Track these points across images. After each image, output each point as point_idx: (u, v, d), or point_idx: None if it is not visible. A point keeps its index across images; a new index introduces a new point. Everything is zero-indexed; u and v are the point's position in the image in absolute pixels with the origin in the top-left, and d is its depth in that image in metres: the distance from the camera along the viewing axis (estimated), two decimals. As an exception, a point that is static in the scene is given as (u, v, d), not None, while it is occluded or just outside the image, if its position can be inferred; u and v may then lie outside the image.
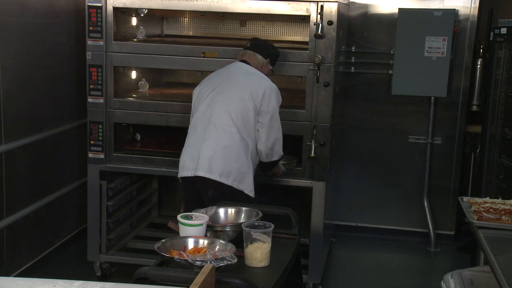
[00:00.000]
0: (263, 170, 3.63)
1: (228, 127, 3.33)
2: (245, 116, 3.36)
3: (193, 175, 3.34)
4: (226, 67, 3.57)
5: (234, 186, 3.33)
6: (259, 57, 3.56)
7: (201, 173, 3.32)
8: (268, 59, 3.58)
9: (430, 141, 4.94)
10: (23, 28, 3.81)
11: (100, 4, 3.86)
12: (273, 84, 3.46)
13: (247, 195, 3.38)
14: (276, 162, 3.58)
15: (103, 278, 4.10)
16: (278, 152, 3.52)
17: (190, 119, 3.54)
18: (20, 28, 3.78)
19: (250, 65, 3.53)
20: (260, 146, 3.45)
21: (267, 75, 3.55)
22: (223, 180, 3.30)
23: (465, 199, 2.97)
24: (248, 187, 3.38)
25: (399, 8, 4.71)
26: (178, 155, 4.12)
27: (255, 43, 3.66)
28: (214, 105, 3.38)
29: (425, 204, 5.00)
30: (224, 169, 3.31)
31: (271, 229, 2.40)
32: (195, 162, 3.33)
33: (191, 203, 3.35)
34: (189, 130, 3.50)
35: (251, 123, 3.38)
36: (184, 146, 3.48)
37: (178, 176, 3.45)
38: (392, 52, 4.82)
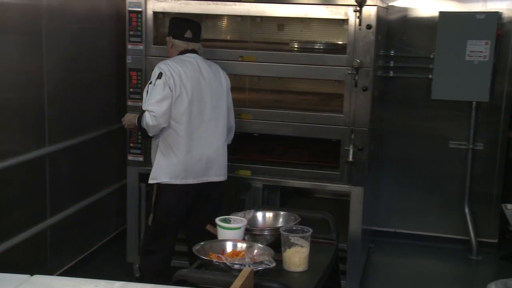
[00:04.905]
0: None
1: None
2: None
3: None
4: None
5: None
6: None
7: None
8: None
9: (472, 146, 4.83)
10: (66, 32, 3.90)
11: (140, 9, 3.92)
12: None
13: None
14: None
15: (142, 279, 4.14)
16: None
17: None
18: (63, 32, 3.86)
19: None
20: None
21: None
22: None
23: (509, 206, 2.90)
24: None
25: (440, 12, 4.63)
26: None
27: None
28: None
29: (466, 210, 4.89)
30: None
31: (309, 233, 2.39)
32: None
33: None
34: None
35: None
36: None
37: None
38: (432, 56, 4.74)
